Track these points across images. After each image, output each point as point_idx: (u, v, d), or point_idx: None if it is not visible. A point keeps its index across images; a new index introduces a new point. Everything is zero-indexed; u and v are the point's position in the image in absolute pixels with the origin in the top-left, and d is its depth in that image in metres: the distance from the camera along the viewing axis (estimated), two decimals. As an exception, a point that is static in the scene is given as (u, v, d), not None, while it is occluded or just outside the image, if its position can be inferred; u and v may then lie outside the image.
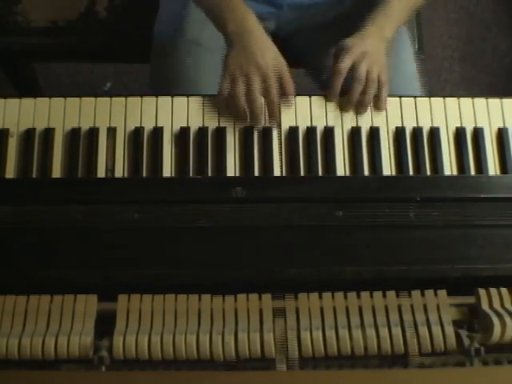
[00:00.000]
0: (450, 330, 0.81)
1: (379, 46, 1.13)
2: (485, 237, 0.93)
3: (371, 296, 0.84)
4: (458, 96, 1.13)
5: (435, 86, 2.10)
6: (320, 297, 0.84)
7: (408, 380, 0.78)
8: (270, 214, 0.95)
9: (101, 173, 1.06)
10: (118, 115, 1.09)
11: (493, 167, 1.08)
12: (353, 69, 1.10)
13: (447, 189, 0.99)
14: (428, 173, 1.07)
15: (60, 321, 0.83)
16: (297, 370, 0.81)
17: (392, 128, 1.10)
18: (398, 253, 0.92)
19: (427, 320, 0.82)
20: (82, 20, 1.48)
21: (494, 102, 1.12)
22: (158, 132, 1.08)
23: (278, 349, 0.80)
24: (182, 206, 0.95)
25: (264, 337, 0.80)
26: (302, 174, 1.06)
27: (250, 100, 1.07)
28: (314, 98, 1.12)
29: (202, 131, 1.08)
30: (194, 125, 1.09)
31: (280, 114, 1.09)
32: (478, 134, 1.09)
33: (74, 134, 1.07)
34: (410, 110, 1.11)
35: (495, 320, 0.81)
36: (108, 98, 1.10)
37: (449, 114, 1.11)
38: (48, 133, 1.07)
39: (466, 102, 1.12)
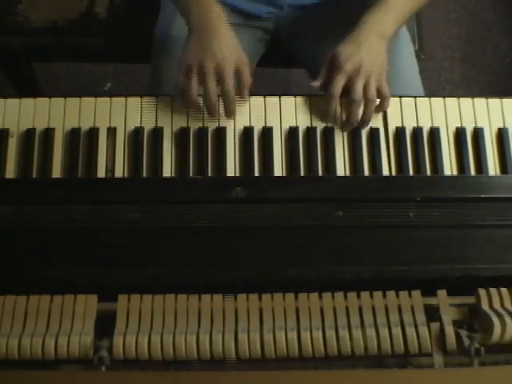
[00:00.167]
0: (450, 329, 0.81)
1: (377, 45, 1.10)
2: (485, 237, 0.93)
3: (371, 296, 0.84)
4: (458, 96, 1.13)
5: (435, 86, 2.10)
6: (320, 297, 0.84)
7: (408, 380, 0.78)
8: (270, 214, 0.95)
9: (101, 173, 1.06)
10: (118, 115, 1.09)
11: (493, 167, 1.08)
12: (348, 88, 1.07)
13: (447, 189, 0.99)
14: (428, 173, 1.07)
15: (60, 321, 0.82)
16: (297, 370, 0.81)
17: (392, 128, 1.10)
18: (398, 253, 0.92)
19: (427, 320, 0.82)
20: (82, 20, 1.48)
21: (494, 102, 1.12)
22: (158, 132, 1.08)
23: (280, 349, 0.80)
24: (182, 206, 0.95)
25: (264, 337, 0.80)
26: (302, 174, 1.06)
27: (204, 91, 1.06)
28: (313, 98, 1.12)
29: (202, 131, 1.08)
30: (194, 125, 1.09)
31: (235, 106, 1.08)
32: (478, 134, 1.09)
33: (74, 134, 1.07)
34: (410, 110, 1.11)
35: (495, 320, 0.81)
36: (108, 98, 1.11)
37: (449, 114, 1.11)
38: (48, 133, 1.07)
39: (466, 102, 1.12)
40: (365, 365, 0.82)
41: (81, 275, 0.89)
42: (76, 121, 1.09)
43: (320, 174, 1.07)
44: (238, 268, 0.90)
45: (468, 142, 1.09)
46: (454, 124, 1.11)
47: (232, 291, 0.85)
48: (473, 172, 1.07)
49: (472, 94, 1.14)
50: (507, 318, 0.81)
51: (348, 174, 1.07)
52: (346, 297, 0.84)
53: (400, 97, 1.12)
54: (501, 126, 1.11)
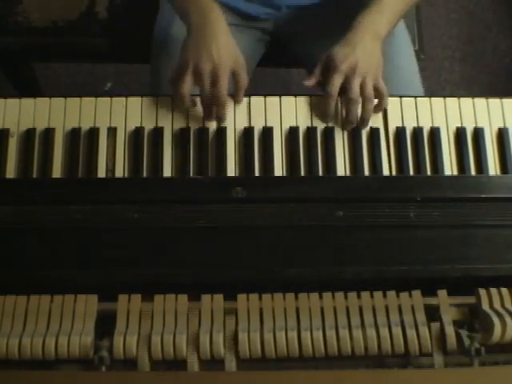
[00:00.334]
0: (450, 329, 0.81)
1: (372, 46, 1.10)
2: (485, 237, 0.93)
3: (371, 296, 0.84)
4: (459, 96, 1.13)
5: (435, 86, 2.10)
6: (320, 297, 0.84)
7: (408, 380, 0.78)
8: (270, 214, 0.95)
9: (101, 173, 1.06)
10: (119, 115, 1.09)
11: (493, 167, 1.08)
12: (345, 87, 1.08)
13: (447, 189, 0.99)
14: (428, 173, 1.07)
15: (60, 321, 0.82)
16: (297, 370, 0.81)
17: (392, 128, 1.10)
18: (398, 253, 0.92)
19: (427, 320, 0.82)
20: (82, 20, 1.48)
21: (495, 102, 1.12)
22: (158, 132, 1.08)
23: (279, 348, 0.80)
24: (182, 206, 0.95)
25: (264, 337, 0.80)
26: (303, 174, 1.06)
27: (200, 91, 1.06)
28: (314, 98, 1.12)
29: (203, 131, 1.08)
30: (195, 125, 1.09)
31: (224, 111, 1.07)
32: (478, 133, 1.09)
33: (74, 134, 1.07)
34: (411, 110, 1.11)
35: (495, 320, 0.81)
36: (108, 98, 1.11)
37: (449, 114, 1.11)
38: (48, 133, 1.07)
39: (466, 102, 1.12)
40: (365, 365, 0.82)
41: (81, 275, 0.89)
42: (76, 121, 1.09)
43: (320, 173, 1.07)
44: (238, 268, 0.90)
45: (468, 141, 1.09)
46: (455, 124, 1.11)
47: (232, 291, 0.85)
48: (473, 172, 1.07)
49: (472, 94, 1.14)
50: (507, 318, 0.81)
51: (348, 173, 1.07)
52: (346, 297, 0.84)
53: (400, 97, 1.12)
54: (501, 125, 1.11)
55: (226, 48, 1.07)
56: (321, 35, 1.30)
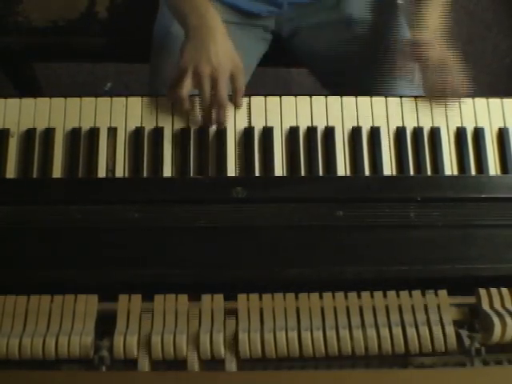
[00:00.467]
0: (450, 329, 0.81)
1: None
2: (485, 237, 0.93)
3: (372, 296, 0.84)
4: (459, 96, 1.13)
5: (435, 86, 2.09)
6: (321, 297, 0.84)
7: (408, 380, 0.78)
8: (270, 214, 0.95)
9: (101, 173, 1.06)
10: (119, 115, 1.09)
11: (493, 167, 1.08)
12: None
13: (448, 189, 0.99)
14: (428, 173, 1.07)
15: (60, 321, 0.83)
16: (297, 370, 0.81)
17: (393, 128, 1.10)
18: (398, 253, 0.92)
19: (428, 320, 0.82)
20: (82, 20, 1.48)
21: (495, 102, 1.12)
22: (158, 132, 1.08)
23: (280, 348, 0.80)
24: (182, 206, 0.95)
25: (265, 337, 0.80)
26: (303, 173, 1.06)
27: (199, 95, 1.06)
28: (314, 97, 1.12)
29: (203, 131, 1.08)
30: (195, 125, 1.09)
31: (225, 114, 1.07)
32: (478, 133, 1.09)
33: (74, 134, 1.07)
34: (411, 110, 1.11)
35: (496, 320, 0.81)
36: (108, 98, 1.10)
37: (449, 114, 1.11)
38: (48, 133, 1.07)
39: (466, 102, 1.12)
40: (365, 365, 0.82)
41: (81, 275, 0.89)
42: (76, 121, 1.09)
43: (320, 173, 1.06)
44: (238, 268, 0.90)
45: (468, 141, 1.09)
46: (455, 124, 1.11)
47: (232, 291, 0.85)
48: (473, 172, 1.07)
49: (472, 94, 1.14)
50: (508, 318, 0.81)
51: (348, 173, 1.07)
52: (346, 297, 0.84)
53: (400, 97, 1.12)
54: (501, 125, 1.11)
55: (225, 50, 1.07)
56: (322, 33, 1.30)
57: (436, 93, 1.11)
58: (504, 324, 0.80)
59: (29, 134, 1.07)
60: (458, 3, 2.22)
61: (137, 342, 0.80)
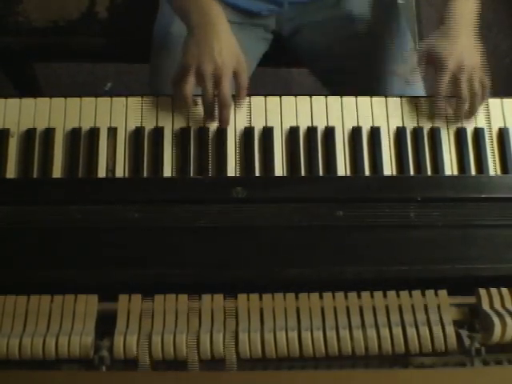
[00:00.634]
0: (450, 329, 0.81)
1: (471, 37, 1.10)
2: (485, 237, 0.93)
3: (372, 296, 0.84)
4: (459, 96, 1.13)
5: (436, 86, 2.09)
6: (321, 297, 0.84)
7: (409, 380, 0.78)
8: (270, 214, 0.95)
9: (101, 173, 1.06)
10: (119, 115, 1.09)
11: (493, 167, 1.08)
12: (454, 85, 1.08)
13: (448, 189, 0.99)
14: (429, 173, 1.07)
15: (61, 321, 0.83)
16: (297, 370, 0.81)
17: (393, 128, 1.10)
18: (398, 253, 0.92)
19: (428, 320, 0.82)
20: (82, 20, 1.48)
21: (495, 102, 1.12)
22: (158, 132, 1.08)
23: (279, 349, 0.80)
24: (182, 206, 0.95)
25: (265, 337, 0.80)
26: (303, 174, 1.06)
27: (202, 92, 1.06)
28: (314, 97, 1.12)
29: (203, 131, 1.08)
30: (195, 124, 1.09)
31: (228, 112, 1.07)
32: (478, 133, 1.09)
33: (74, 134, 1.07)
34: (411, 110, 1.11)
35: (496, 320, 0.81)
36: (109, 98, 1.10)
37: (449, 114, 1.11)
38: (48, 133, 1.07)
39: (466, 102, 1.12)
40: (365, 365, 0.82)
41: (81, 275, 0.89)
42: (76, 121, 1.09)
43: (320, 173, 1.06)
44: (238, 268, 0.90)
45: (468, 141, 1.09)
46: (455, 124, 1.11)
47: (232, 291, 0.85)
48: (473, 172, 1.07)
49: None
50: (508, 318, 0.81)
51: (348, 173, 1.07)
52: (346, 297, 0.84)
53: (400, 97, 1.12)
54: (501, 125, 1.11)
55: (228, 48, 1.07)
56: (322, 32, 1.30)
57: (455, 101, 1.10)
58: (504, 324, 0.80)
59: (29, 134, 1.07)
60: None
61: (137, 341, 0.80)
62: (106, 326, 0.82)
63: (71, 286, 0.86)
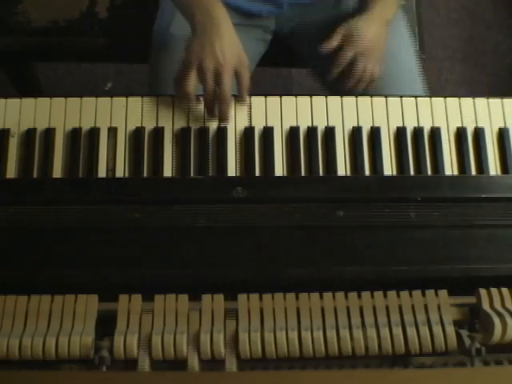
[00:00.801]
0: (450, 330, 0.81)
1: (382, 31, 1.20)
2: (486, 237, 0.93)
3: (372, 296, 0.84)
4: (459, 96, 1.13)
5: (436, 86, 2.09)
6: (321, 297, 0.84)
7: (409, 380, 0.78)
8: (270, 214, 0.95)
9: (102, 173, 1.06)
10: (119, 115, 1.09)
11: (493, 167, 1.08)
12: (353, 61, 1.18)
13: (448, 189, 0.99)
14: (429, 173, 1.07)
15: (61, 321, 0.82)
16: (297, 370, 0.81)
17: (393, 128, 1.10)
18: (398, 253, 0.92)
19: (428, 320, 0.82)
20: (82, 20, 1.48)
21: (495, 102, 1.12)
22: (158, 132, 1.08)
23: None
24: (182, 206, 0.95)
25: (265, 337, 0.80)
26: (303, 174, 1.06)
27: (203, 88, 1.06)
28: (314, 97, 1.12)
29: (203, 131, 1.08)
30: (195, 124, 1.09)
31: (228, 109, 1.07)
32: (478, 133, 1.09)
33: (74, 134, 1.07)
34: (411, 110, 1.11)
35: (496, 320, 0.81)
36: (109, 98, 1.11)
37: (450, 114, 1.11)
38: (49, 133, 1.07)
39: (466, 102, 1.12)
40: (365, 365, 0.82)
41: (81, 275, 0.89)
42: (77, 121, 1.09)
43: (321, 173, 1.07)
44: (238, 268, 0.90)
45: (469, 141, 1.09)
46: (455, 124, 1.11)
47: (232, 291, 0.85)
48: (473, 172, 1.07)
49: (473, 94, 1.14)
50: (508, 318, 0.81)
51: (349, 174, 1.07)
52: (346, 297, 0.84)
53: (401, 97, 1.12)
54: (502, 125, 1.11)
55: (231, 47, 1.07)
56: (322, 32, 1.30)
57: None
58: (504, 324, 0.80)
59: (29, 134, 1.07)
60: (458, 3, 2.23)
61: (137, 341, 0.80)
62: (106, 326, 0.82)
63: (71, 286, 0.86)
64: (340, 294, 0.84)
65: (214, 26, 1.07)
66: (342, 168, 1.07)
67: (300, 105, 1.11)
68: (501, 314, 0.82)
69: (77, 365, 0.81)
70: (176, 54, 1.10)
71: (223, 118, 1.08)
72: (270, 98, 1.12)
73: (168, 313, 0.83)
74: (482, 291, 0.85)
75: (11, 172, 1.05)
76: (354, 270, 0.90)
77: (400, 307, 0.83)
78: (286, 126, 1.10)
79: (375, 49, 1.20)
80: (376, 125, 1.10)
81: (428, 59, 1.69)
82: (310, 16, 1.31)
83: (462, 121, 1.11)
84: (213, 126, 1.09)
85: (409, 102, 1.12)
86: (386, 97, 1.12)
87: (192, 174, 1.06)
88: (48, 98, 1.10)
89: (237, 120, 1.10)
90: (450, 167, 1.08)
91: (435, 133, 1.09)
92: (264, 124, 1.10)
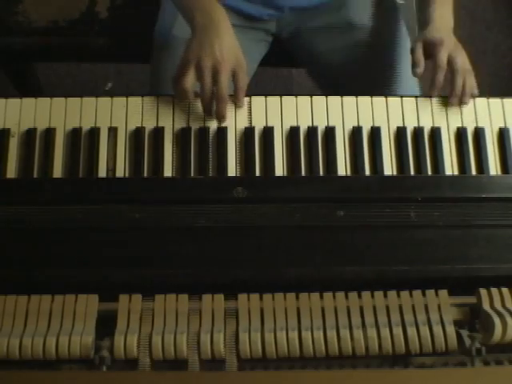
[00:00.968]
0: (451, 329, 0.81)
1: (455, 40, 1.16)
2: (486, 237, 0.93)
3: (372, 296, 0.84)
4: (459, 96, 1.13)
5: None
6: (321, 297, 0.84)
7: (409, 380, 0.78)
8: (270, 214, 0.94)
9: (102, 173, 1.06)
10: (119, 115, 1.09)
11: (494, 167, 1.08)
12: (451, 62, 1.13)
13: (448, 189, 0.99)
14: (429, 173, 1.07)
15: (61, 321, 0.82)
16: (298, 370, 0.81)
17: (393, 128, 1.10)
18: (399, 253, 0.92)
19: (428, 320, 0.82)
20: (83, 20, 1.48)
21: (495, 102, 1.12)
22: (158, 132, 1.08)
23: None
24: (182, 206, 0.95)
25: (265, 337, 0.80)
26: (303, 173, 1.06)
27: (200, 87, 1.06)
28: (315, 97, 1.12)
29: (203, 131, 1.08)
30: (195, 124, 1.09)
31: (224, 108, 1.07)
32: (479, 133, 1.09)
33: (74, 134, 1.07)
34: (411, 110, 1.11)
35: (496, 320, 0.81)
36: (109, 98, 1.11)
37: (450, 114, 1.11)
38: (49, 133, 1.07)
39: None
40: (366, 365, 0.82)
41: (81, 275, 0.89)
42: (77, 121, 1.09)
43: (321, 173, 1.06)
44: (238, 268, 0.90)
45: (469, 141, 1.09)
46: (455, 124, 1.11)
47: (233, 291, 0.85)
48: (474, 172, 1.07)
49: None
50: (508, 318, 0.81)
51: (349, 173, 1.07)
52: (347, 297, 0.84)
53: (401, 97, 1.12)
54: (502, 125, 1.11)
55: (230, 48, 1.07)
56: (323, 36, 1.31)
57: (447, 93, 1.12)
58: (505, 324, 0.80)
59: (29, 134, 1.07)
60: (458, 3, 2.22)
61: (137, 341, 0.80)
62: (106, 325, 0.82)
63: (72, 286, 0.86)
64: (340, 294, 0.85)
65: (214, 28, 1.08)
66: (342, 168, 1.07)
67: (300, 105, 1.11)
68: (501, 313, 0.82)
69: (77, 365, 0.81)
70: (178, 56, 1.10)
71: (220, 116, 1.08)
72: (270, 98, 1.12)
73: (168, 313, 0.83)
74: (483, 291, 0.85)
75: (11, 172, 1.05)
76: (355, 270, 0.90)
77: (400, 307, 0.83)
78: (287, 126, 1.10)
79: (458, 47, 1.15)
80: (376, 125, 1.10)
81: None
82: (311, 20, 1.31)
83: (462, 121, 1.11)
84: (213, 125, 1.09)
85: (409, 101, 1.12)
86: (386, 97, 1.12)
87: (192, 174, 1.06)
88: (48, 98, 1.10)
89: (237, 120, 1.10)
90: (450, 167, 1.08)
91: (435, 133, 1.09)
92: (264, 124, 1.10)
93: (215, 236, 0.93)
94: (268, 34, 1.35)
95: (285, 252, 0.92)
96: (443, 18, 1.17)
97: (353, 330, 0.81)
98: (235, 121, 1.09)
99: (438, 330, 0.81)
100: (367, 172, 1.07)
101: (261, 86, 1.86)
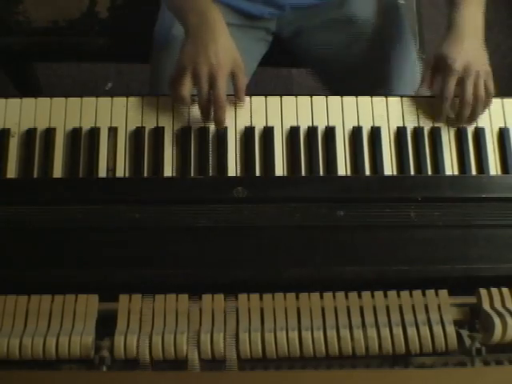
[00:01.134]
0: (451, 329, 0.81)
1: (478, 42, 1.11)
2: (486, 237, 0.93)
3: (372, 296, 0.84)
4: (459, 96, 1.13)
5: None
6: (321, 297, 0.84)
7: (409, 380, 0.78)
8: (271, 214, 0.95)
9: (102, 173, 1.06)
10: (119, 115, 1.09)
11: (494, 167, 1.08)
12: (459, 87, 1.08)
13: (448, 189, 0.99)
14: (429, 173, 1.07)
15: (61, 321, 0.82)
16: (298, 370, 0.81)
17: (393, 128, 1.10)
18: (399, 253, 0.92)
19: (428, 320, 0.82)
20: (83, 20, 1.48)
21: (495, 102, 1.12)
22: (159, 132, 1.08)
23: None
24: (182, 206, 0.95)
25: (265, 337, 0.80)
26: (303, 173, 1.06)
27: (197, 93, 1.06)
28: (315, 97, 1.12)
29: (203, 131, 1.08)
30: (195, 124, 1.09)
31: (223, 114, 1.06)
32: (479, 133, 1.09)
33: (75, 134, 1.07)
34: (412, 110, 1.11)
35: (496, 320, 0.81)
36: (109, 98, 1.11)
37: (451, 118, 1.11)
38: (49, 133, 1.07)
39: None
40: (366, 365, 0.82)
41: (81, 275, 0.89)
42: (77, 121, 1.09)
43: (321, 173, 1.06)
44: (238, 268, 0.90)
45: (469, 141, 1.09)
46: (455, 126, 1.11)
47: (233, 291, 0.85)
48: (474, 172, 1.07)
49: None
50: (508, 318, 0.81)
51: (349, 173, 1.07)
52: (347, 297, 0.84)
53: (401, 96, 1.12)
54: (502, 125, 1.11)
55: (225, 50, 1.06)
56: (324, 35, 1.30)
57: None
58: (505, 324, 0.80)
59: (29, 134, 1.07)
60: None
61: (137, 341, 0.80)
62: (106, 325, 0.82)
63: (72, 286, 0.86)
64: (340, 294, 0.85)
65: (209, 29, 1.07)
66: (343, 168, 1.07)
67: (300, 105, 1.11)
68: (501, 313, 0.82)
69: (77, 365, 0.81)
70: (177, 56, 1.10)
71: (218, 122, 1.07)
72: (270, 98, 1.12)
73: (168, 313, 0.83)
74: (483, 291, 0.85)
75: (11, 172, 1.05)
76: (355, 270, 0.90)
77: (400, 307, 0.83)
78: (287, 126, 1.10)
79: (479, 61, 1.10)
80: (376, 125, 1.10)
81: (428, 59, 1.68)
82: (312, 18, 1.30)
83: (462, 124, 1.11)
84: (213, 125, 1.09)
85: (409, 101, 1.12)
86: (386, 97, 1.12)
87: (192, 174, 1.06)
88: (48, 98, 1.10)
89: (237, 120, 1.10)
90: (451, 167, 1.08)
91: (435, 133, 1.09)
92: (264, 124, 1.10)
93: (215, 236, 0.93)
94: (268, 33, 1.35)
95: (285, 252, 0.92)
96: (467, 21, 1.11)
97: (353, 329, 0.81)
98: (235, 121, 1.09)
99: (438, 329, 0.81)
100: (367, 172, 1.07)
101: (261, 86, 1.86)
